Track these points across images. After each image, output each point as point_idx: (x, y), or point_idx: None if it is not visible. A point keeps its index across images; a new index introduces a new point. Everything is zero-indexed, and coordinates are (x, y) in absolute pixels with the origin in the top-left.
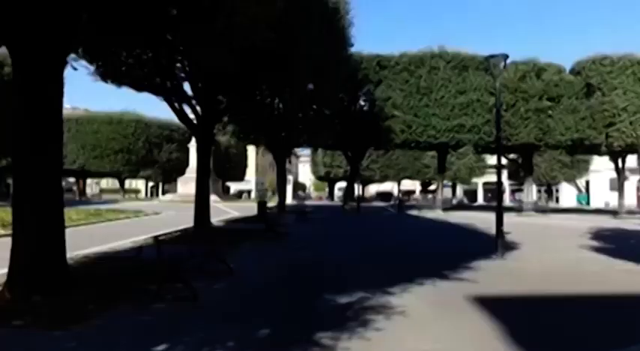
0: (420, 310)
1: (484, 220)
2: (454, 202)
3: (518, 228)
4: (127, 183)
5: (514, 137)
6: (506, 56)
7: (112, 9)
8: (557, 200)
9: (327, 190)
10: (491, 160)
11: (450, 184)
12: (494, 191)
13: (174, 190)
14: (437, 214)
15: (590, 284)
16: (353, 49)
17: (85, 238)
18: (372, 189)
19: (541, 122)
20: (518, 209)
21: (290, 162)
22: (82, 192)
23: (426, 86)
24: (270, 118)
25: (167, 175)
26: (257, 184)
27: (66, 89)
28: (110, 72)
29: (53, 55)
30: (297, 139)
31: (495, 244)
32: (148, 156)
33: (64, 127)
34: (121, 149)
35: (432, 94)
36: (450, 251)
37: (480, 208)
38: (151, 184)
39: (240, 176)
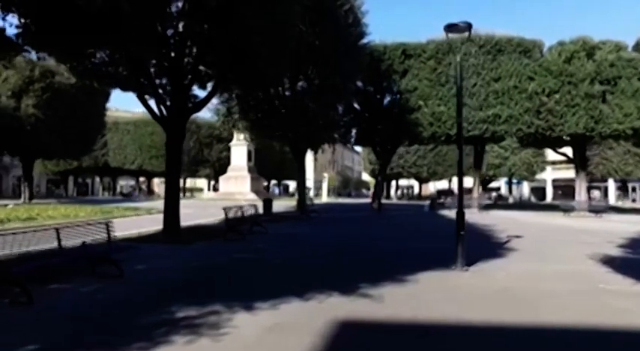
0: (242, 333)
1: (513, 222)
2: (510, 200)
3: (541, 231)
4: (191, 182)
5: (558, 127)
6: (469, 25)
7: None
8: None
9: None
10: (553, 154)
11: (515, 181)
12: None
13: None
14: (467, 214)
15: (547, 310)
16: (376, 40)
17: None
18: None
19: (592, 109)
20: (565, 209)
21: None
22: (150, 190)
23: (455, 74)
24: (276, 111)
25: (219, 174)
26: (315, 182)
27: (125, 94)
28: (85, 71)
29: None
30: (315, 135)
31: (455, 253)
32: (199, 155)
33: (125, 130)
34: None
35: (461, 82)
36: (411, 257)
37: (528, 206)
38: (212, 182)
39: (294, 175)
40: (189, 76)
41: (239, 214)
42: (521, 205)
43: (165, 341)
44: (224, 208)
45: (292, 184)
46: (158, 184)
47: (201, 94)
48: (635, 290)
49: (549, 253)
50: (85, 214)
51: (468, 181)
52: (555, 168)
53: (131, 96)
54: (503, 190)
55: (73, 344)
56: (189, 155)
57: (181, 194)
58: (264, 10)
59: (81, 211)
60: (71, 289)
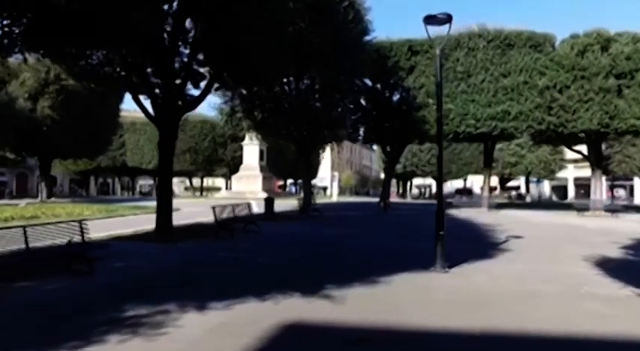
0: (181, 333)
1: (521, 222)
2: (528, 199)
3: (546, 231)
4: (209, 181)
5: (571, 124)
6: (448, 17)
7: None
8: None
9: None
10: (570, 153)
11: (534, 179)
12: (587, 187)
13: None
14: (474, 213)
15: (517, 315)
16: (382, 36)
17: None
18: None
19: (607, 104)
20: (579, 208)
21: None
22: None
23: (463, 70)
24: (279, 109)
25: (234, 173)
26: (332, 181)
27: None
28: (82, 72)
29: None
30: (319, 134)
31: (435, 254)
32: (214, 155)
33: (142, 130)
34: (188, 149)
35: (469, 78)
36: (394, 257)
37: (546, 205)
38: (229, 181)
39: (312, 174)
40: (182, 75)
41: (231, 213)
42: (539, 204)
43: (99, 341)
44: (213, 207)
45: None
46: (177, 184)
47: (197, 93)
48: (618, 294)
49: (544, 253)
50: (90, 212)
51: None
52: (577, 166)
53: None
54: (523, 189)
55: (6, 343)
56: (204, 155)
57: (197, 193)
58: (257, 8)
59: (87, 209)
60: (36, 287)
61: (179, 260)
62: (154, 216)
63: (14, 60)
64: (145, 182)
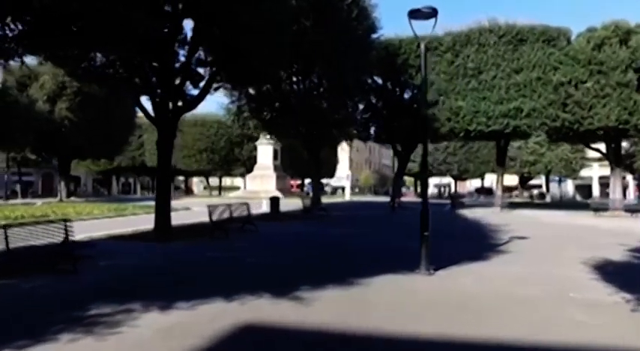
0: (134, 333)
1: (531, 222)
2: (548, 198)
3: (554, 232)
4: (228, 180)
5: (587, 120)
6: (433, 10)
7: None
8: None
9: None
10: (590, 151)
11: (556, 178)
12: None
13: None
14: (485, 213)
15: (493, 321)
16: (391, 34)
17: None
18: (472, 184)
19: (626, 100)
20: (596, 208)
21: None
22: (188, 189)
23: (474, 67)
24: (286, 109)
25: (250, 172)
26: (351, 180)
27: None
28: (84, 74)
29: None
30: (327, 133)
31: (419, 255)
32: (230, 155)
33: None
34: (205, 149)
35: (480, 75)
36: (383, 258)
37: (565, 205)
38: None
39: (330, 174)
40: (181, 75)
41: (228, 213)
42: (560, 203)
43: (49, 339)
44: (209, 207)
45: (329, 182)
46: (197, 183)
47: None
48: (605, 300)
49: (544, 255)
50: (99, 211)
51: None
52: (602, 165)
53: None
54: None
55: None
56: (220, 154)
57: (214, 192)
58: (255, 7)
59: (96, 209)
60: (13, 285)
61: (166, 259)
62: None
63: (33, 63)
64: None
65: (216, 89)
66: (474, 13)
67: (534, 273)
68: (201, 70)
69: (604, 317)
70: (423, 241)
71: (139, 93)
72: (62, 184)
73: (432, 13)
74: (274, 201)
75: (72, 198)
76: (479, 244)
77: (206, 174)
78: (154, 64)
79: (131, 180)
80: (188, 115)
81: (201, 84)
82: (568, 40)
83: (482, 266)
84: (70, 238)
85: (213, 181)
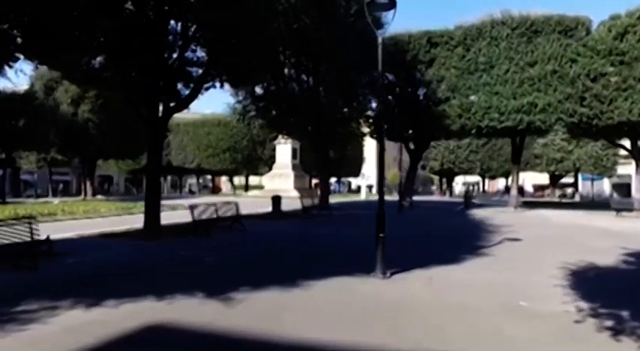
0: (37, 331)
1: (539, 222)
2: (577, 197)
3: (556, 234)
4: (256, 179)
5: (606, 115)
6: (392, 2)
7: None
8: None
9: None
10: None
11: (590, 176)
12: None
13: None
14: (494, 213)
15: (419, 331)
16: (401, 29)
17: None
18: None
19: None
20: (617, 209)
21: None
22: (215, 188)
23: (486, 61)
24: (290, 107)
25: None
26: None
27: None
28: (82, 78)
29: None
30: (333, 130)
31: (375, 258)
32: (253, 154)
33: (185, 131)
34: (229, 148)
35: (492, 69)
36: (346, 260)
37: (590, 205)
38: None
39: (356, 172)
40: (172, 75)
41: (208, 212)
42: (590, 203)
43: None
44: (190, 206)
45: (354, 181)
46: (224, 182)
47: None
48: (553, 311)
49: (523, 260)
50: (106, 210)
51: (541, 178)
52: None
53: None
54: (581, 187)
55: None
56: (243, 154)
57: (237, 191)
58: (241, 6)
59: (104, 207)
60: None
61: (134, 257)
62: (169, 213)
63: None
64: (193, 181)
65: (207, 89)
66: (488, 7)
67: (497, 279)
68: (192, 70)
69: (538, 329)
70: (378, 244)
71: (130, 93)
72: (89, 183)
73: (389, 4)
74: (276, 200)
75: (98, 196)
76: (464, 246)
77: (231, 173)
78: (144, 64)
79: (161, 179)
80: (211, 115)
81: (193, 84)
82: (587, 30)
83: (448, 271)
84: (36, 236)
85: (240, 180)
